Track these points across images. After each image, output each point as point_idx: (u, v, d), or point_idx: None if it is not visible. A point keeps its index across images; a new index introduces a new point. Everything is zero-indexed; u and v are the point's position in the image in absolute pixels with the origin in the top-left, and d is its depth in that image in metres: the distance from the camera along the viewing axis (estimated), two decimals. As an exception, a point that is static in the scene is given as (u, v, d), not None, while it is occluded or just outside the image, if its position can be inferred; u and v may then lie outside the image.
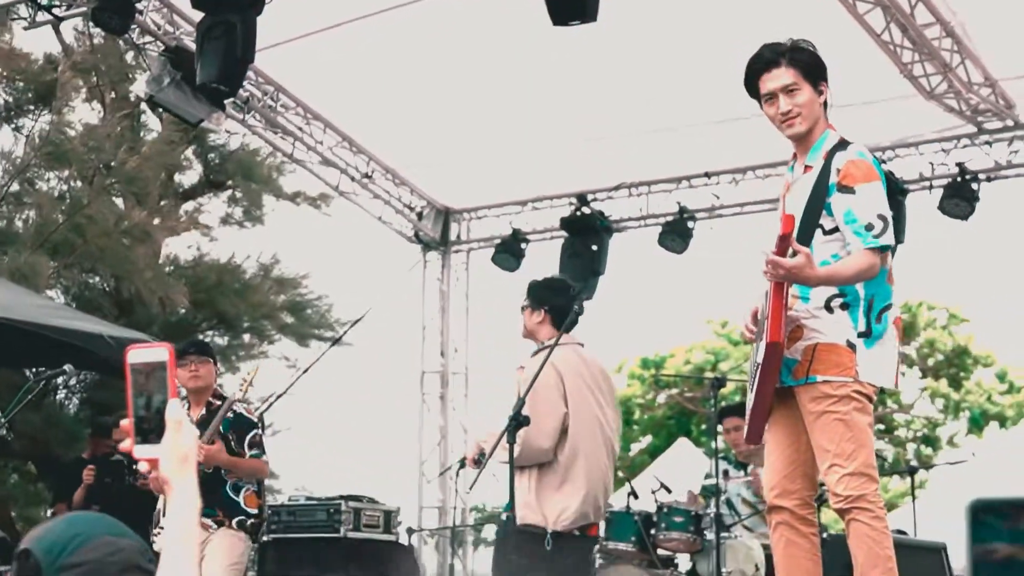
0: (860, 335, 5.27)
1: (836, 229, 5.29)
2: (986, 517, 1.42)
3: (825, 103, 5.52)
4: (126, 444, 2.50)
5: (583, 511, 7.08)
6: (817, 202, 5.34)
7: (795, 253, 5.07)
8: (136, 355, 2.49)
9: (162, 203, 19.87)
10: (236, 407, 8.13)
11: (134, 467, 9.13)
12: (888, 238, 5.20)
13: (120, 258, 16.82)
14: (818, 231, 5.32)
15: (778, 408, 5.44)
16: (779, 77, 5.45)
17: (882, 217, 5.19)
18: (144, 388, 2.47)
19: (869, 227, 5.18)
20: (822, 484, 5.57)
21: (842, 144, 5.40)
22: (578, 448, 7.11)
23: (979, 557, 1.39)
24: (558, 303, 7.24)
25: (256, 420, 8.33)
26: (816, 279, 5.18)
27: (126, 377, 2.48)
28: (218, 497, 8.02)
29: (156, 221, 19.12)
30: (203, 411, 8.20)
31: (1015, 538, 1.41)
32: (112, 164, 17.25)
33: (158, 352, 2.49)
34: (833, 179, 5.29)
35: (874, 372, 5.29)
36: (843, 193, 5.26)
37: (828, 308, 5.28)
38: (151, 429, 2.46)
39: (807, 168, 5.45)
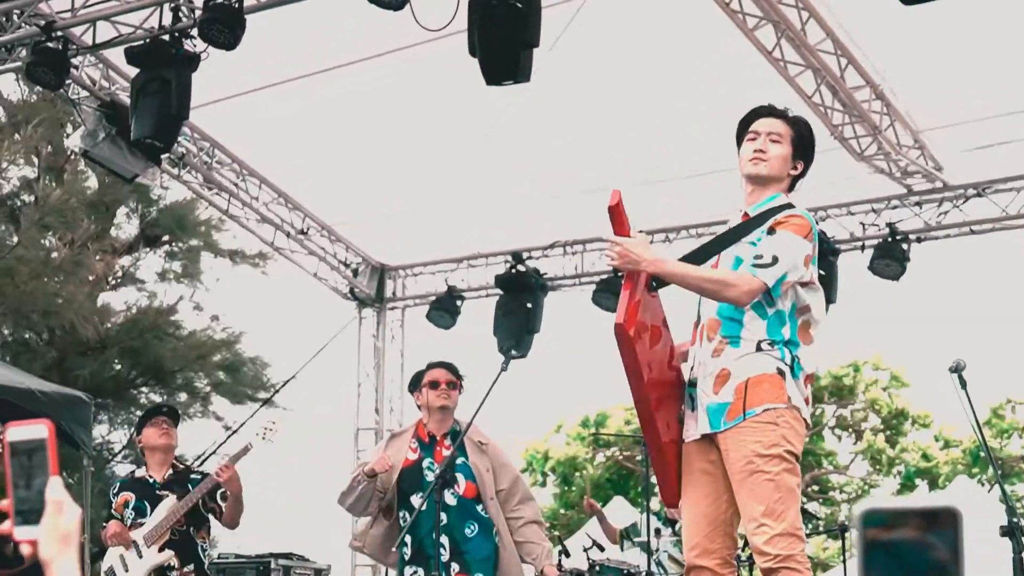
0: (788, 366, 5.32)
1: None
2: (876, 524, 1.49)
3: (794, 181, 5.60)
4: (5, 526, 2.43)
5: None
6: (737, 233, 5.44)
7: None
8: (15, 433, 2.38)
9: (97, 257, 19.78)
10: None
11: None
12: (768, 275, 5.22)
13: (49, 296, 16.73)
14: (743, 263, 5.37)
15: (698, 464, 5.44)
16: (772, 125, 5.56)
17: (775, 257, 5.23)
18: (24, 467, 2.37)
19: (758, 256, 5.25)
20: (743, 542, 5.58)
21: (790, 205, 5.47)
22: None
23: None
24: None
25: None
26: (657, 264, 5.29)
27: (5, 454, 2.38)
28: (193, 555, 8.30)
29: (91, 277, 19.02)
30: (170, 471, 8.47)
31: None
32: (36, 199, 17.19)
33: (38, 429, 2.38)
34: (768, 224, 5.34)
35: (801, 402, 5.35)
36: (769, 235, 5.32)
37: (758, 348, 5.33)
38: (32, 509, 2.35)
39: (744, 215, 5.52)
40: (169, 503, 8.17)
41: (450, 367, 7.95)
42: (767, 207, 5.46)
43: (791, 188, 5.61)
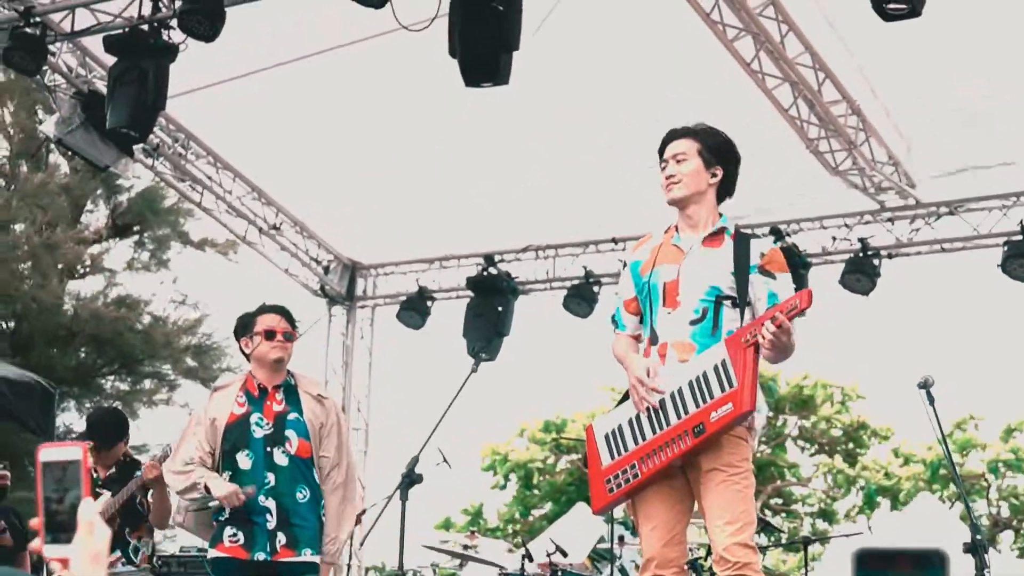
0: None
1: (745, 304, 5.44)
2: (870, 564, 1.51)
3: (722, 191, 5.64)
4: (36, 543, 2.46)
5: None
6: (743, 276, 5.44)
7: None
8: (49, 453, 2.44)
9: (67, 245, 19.74)
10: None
11: None
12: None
13: (16, 280, 16.66)
14: (727, 303, 5.42)
15: (657, 478, 5.52)
16: (675, 146, 5.62)
17: None
18: (58, 486, 2.42)
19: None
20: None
21: (752, 234, 5.60)
22: None
23: None
24: None
25: None
26: (793, 347, 5.33)
27: (37, 474, 2.43)
28: (122, 553, 8.05)
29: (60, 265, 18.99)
30: (114, 469, 8.22)
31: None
32: (13, 187, 17.16)
33: (72, 451, 2.45)
34: (755, 260, 5.43)
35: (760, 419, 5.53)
36: (764, 276, 5.41)
37: None
38: (63, 528, 2.41)
39: (713, 241, 5.55)
40: (103, 500, 8.04)
41: (285, 313, 7.20)
42: (728, 230, 5.56)
43: (720, 198, 5.68)
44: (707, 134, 5.67)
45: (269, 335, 7.04)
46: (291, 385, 7.12)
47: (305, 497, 6.92)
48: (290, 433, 6.98)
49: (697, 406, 5.28)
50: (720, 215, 5.63)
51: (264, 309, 7.20)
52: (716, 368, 5.26)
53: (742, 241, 5.52)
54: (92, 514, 2.43)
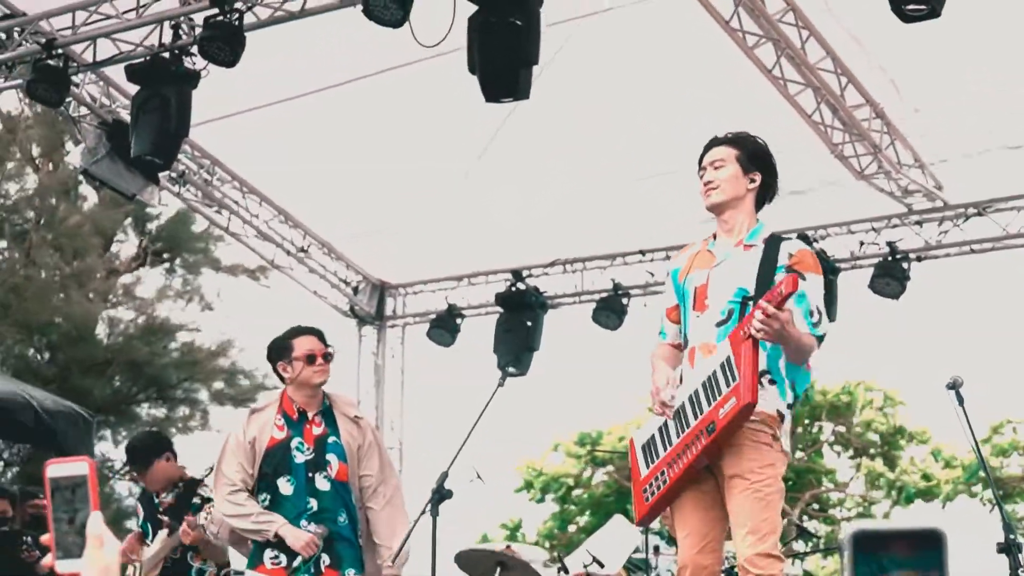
0: (788, 407, 5.47)
1: None
2: (866, 546, 1.51)
3: (759, 198, 5.68)
4: (48, 559, 2.47)
5: None
6: (768, 275, 5.49)
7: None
8: (56, 469, 2.43)
9: (97, 275, 19.84)
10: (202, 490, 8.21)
11: (25, 538, 9.10)
12: (823, 329, 5.45)
13: (52, 311, 16.79)
14: (752, 303, 5.41)
15: (685, 482, 5.52)
16: (714, 153, 5.75)
17: (819, 310, 5.43)
18: (66, 502, 2.41)
19: (811, 314, 5.39)
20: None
21: (784, 237, 5.68)
22: None
23: None
24: None
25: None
26: (796, 337, 5.32)
27: (46, 491, 2.42)
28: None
29: (92, 295, 19.08)
30: (172, 492, 8.41)
31: (897, 565, 1.51)
32: (43, 221, 17.29)
33: (79, 466, 2.42)
34: (783, 261, 5.49)
35: (786, 442, 5.53)
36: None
37: (759, 383, 5.37)
38: (74, 543, 2.40)
39: (747, 246, 5.62)
40: (161, 536, 8.13)
41: (320, 335, 7.16)
42: (761, 235, 5.65)
43: (760, 204, 5.73)
44: (745, 140, 5.80)
45: (310, 359, 7.03)
46: (327, 407, 7.12)
47: (345, 520, 6.94)
48: (331, 457, 6.98)
49: (709, 405, 5.33)
50: (757, 220, 5.68)
51: (299, 331, 7.17)
52: (722, 365, 5.30)
53: (773, 243, 5.58)
54: (101, 528, 2.44)
